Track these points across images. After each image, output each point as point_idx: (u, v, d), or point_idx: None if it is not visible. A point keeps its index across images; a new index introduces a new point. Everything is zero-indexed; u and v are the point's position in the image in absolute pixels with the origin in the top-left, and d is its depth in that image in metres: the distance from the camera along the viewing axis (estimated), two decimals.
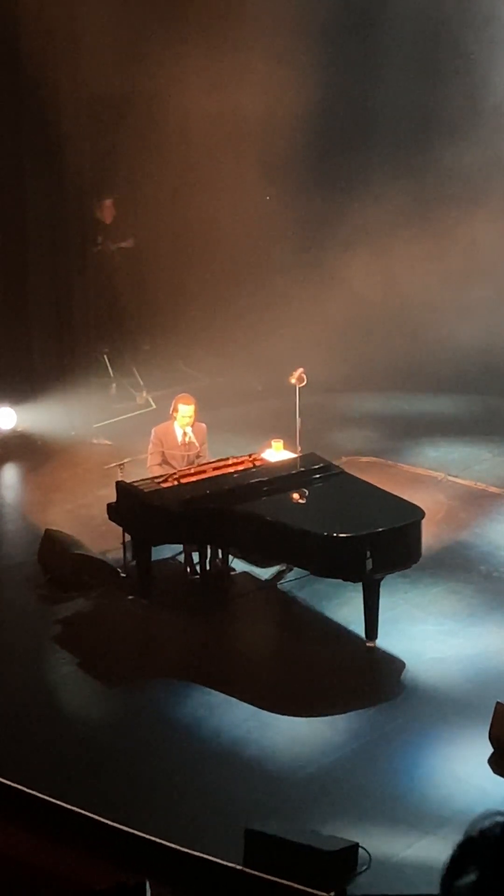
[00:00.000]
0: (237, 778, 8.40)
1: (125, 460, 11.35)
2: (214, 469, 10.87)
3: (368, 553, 9.56)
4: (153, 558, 10.73)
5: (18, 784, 7.74)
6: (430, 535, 10.67)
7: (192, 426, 11.17)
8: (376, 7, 15.48)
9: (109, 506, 10.90)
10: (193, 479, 10.73)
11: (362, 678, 9.67)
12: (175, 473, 10.78)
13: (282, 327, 15.23)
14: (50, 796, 7.59)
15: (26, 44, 13.74)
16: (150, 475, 10.93)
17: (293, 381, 11.08)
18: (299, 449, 11.11)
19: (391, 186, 15.16)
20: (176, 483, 10.64)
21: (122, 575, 10.94)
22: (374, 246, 15.20)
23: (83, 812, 7.40)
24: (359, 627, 9.87)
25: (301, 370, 11.09)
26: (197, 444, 11.20)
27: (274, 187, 15.46)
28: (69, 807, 7.47)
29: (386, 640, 9.84)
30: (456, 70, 15.41)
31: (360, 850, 7.40)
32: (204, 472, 10.83)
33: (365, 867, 7.35)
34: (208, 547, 10.83)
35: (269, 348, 14.82)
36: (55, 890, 6.76)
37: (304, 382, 11.08)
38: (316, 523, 9.87)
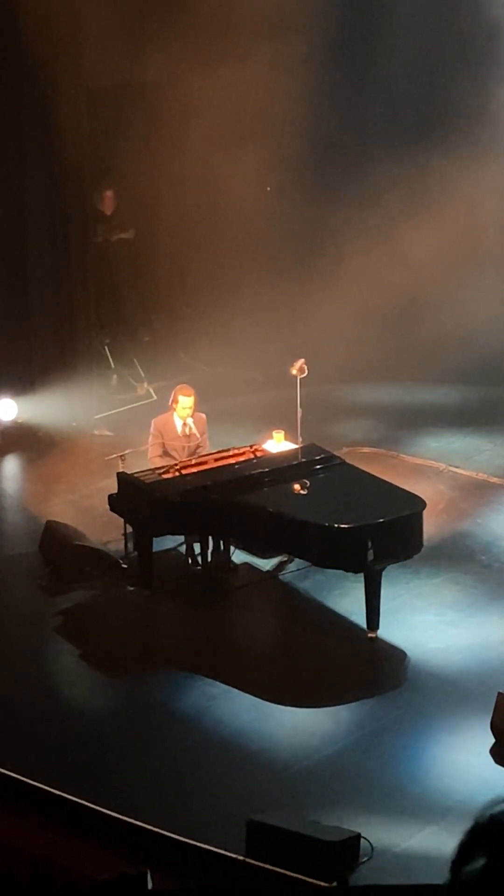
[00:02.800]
0: (239, 768, 8.41)
1: (126, 451, 11.34)
2: (216, 460, 10.87)
3: (369, 543, 9.56)
4: (154, 549, 10.73)
5: (20, 775, 7.75)
6: (431, 526, 10.66)
7: (192, 416, 11.17)
8: None
9: (111, 497, 10.91)
10: (195, 469, 10.72)
11: (363, 668, 9.68)
12: (177, 464, 10.78)
13: (283, 318, 15.21)
14: (51, 787, 7.60)
15: (27, 35, 13.70)
16: (152, 466, 10.93)
17: (294, 371, 11.07)
18: (300, 440, 11.11)
19: (393, 178, 15.12)
20: (177, 474, 10.63)
21: (124, 566, 10.94)
22: (375, 237, 15.17)
23: (85, 802, 7.41)
24: (360, 618, 9.87)
25: (302, 361, 11.09)
26: (197, 435, 11.20)
27: (274, 178, 15.43)
28: (71, 797, 7.48)
29: (387, 631, 9.84)
30: (458, 62, 15.36)
31: (363, 840, 7.40)
32: (205, 463, 10.83)
33: (367, 857, 7.36)
34: (210, 538, 10.83)
35: (270, 339, 14.81)
36: (57, 880, 6.76)
37: (305, 373, 11.07)
38: (317, 514, 9.86)
